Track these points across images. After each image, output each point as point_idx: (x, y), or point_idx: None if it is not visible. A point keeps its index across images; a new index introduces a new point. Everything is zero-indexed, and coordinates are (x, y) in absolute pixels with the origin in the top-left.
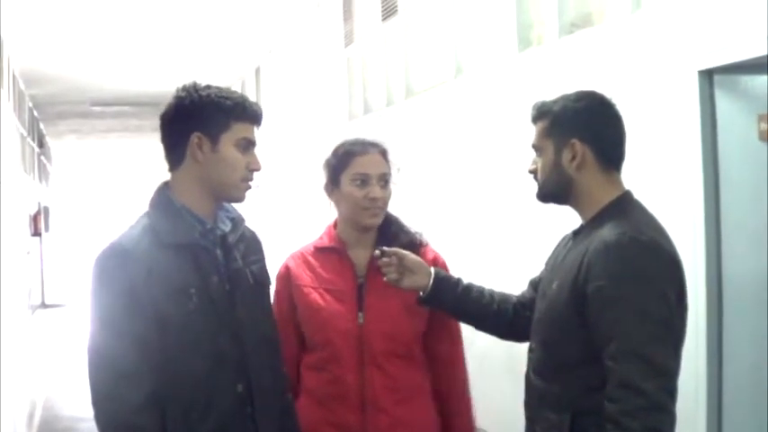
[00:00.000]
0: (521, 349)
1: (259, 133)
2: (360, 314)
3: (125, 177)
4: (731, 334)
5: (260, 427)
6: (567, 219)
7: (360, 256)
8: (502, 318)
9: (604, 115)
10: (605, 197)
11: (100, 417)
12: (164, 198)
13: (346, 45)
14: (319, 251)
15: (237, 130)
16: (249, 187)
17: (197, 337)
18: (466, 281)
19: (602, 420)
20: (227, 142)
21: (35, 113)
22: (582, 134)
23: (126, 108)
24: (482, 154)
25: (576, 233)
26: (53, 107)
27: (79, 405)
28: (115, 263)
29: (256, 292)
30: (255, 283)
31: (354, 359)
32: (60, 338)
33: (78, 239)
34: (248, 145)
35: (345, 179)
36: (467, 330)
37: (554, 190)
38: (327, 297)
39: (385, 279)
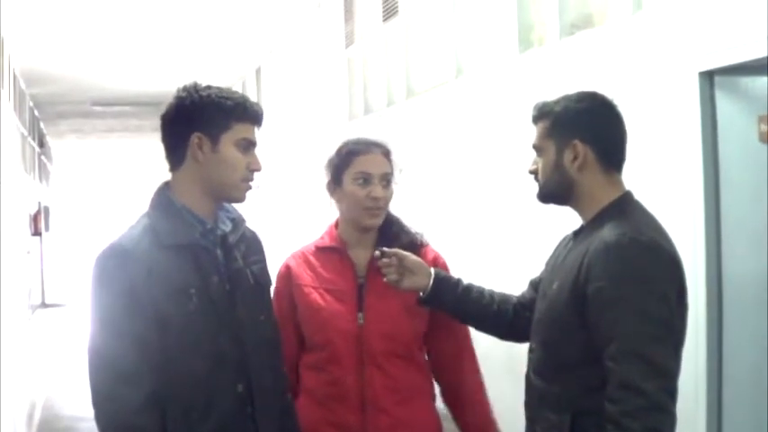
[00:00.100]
0: (521, 350)
1: (259, 134)
2: (360, 314)
3: (125, 177)
4: (731, 334)
5: (260, 428)
6: (567, 219)
7: (360, 256)
8: (502, 318)
9: (606, 116)
10: (606, 198)
11: (100, 417)
12: (164, 198)
13: (347, 45)
14: (320, 251)
15: (238, 130)
16: (249, 187)
17: (197, 338)
18: (466, 281)
19: (602, 421)
20: (228, 142)
21: (36, 113)
22: (584, 135)
23: (126, 108)
24: (482, 154)
25: (576, 234)
26: (54, 107)
27: (79, 405)
28: (115, 263)
29: (257, 292)
30: (256, 284)
31: (354, 359)
32: (60, 338)
33: (78, 239)
34: (249, 145)
35: (347, 178)
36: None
37: (555, 190)
38: (327, 297)
39: (385, 280)
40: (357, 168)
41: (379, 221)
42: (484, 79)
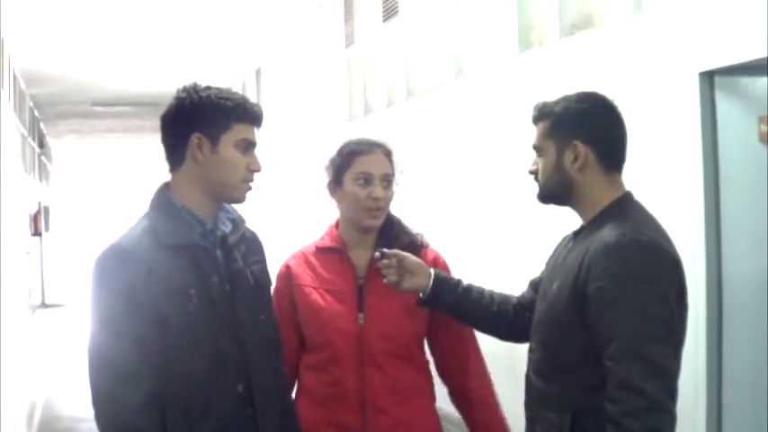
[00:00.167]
0: (521, 350)
1: (259, 134)
2: (360, 315)
3: (125, 178)
4: (731, 334)
5: (260, 428)
6: (567, 219)
7: (360, 256)
8: (502, 319)
9: (607, 116)
10: (606, 198)
11: (100, 417)
12: (164, 199)
13: (347, 46)
14: (320, 251)
15: (238, 130)
16: (249, 188)
17: (197, 338)
18: (466, 282)
19: (602, 421)
20: (228, 143)
21: (36, 113)
22: (584, 135)
23: (127, 108)
24: (482, 155)
25: (576, 234)
26: (54, 107)
27: (79, 405)
28: (115, 263)
29: (257, 292)
30: (256, 284)
31: (354, 360)
32: (60, 339)
33: (78, 239)
34: (248, 146)
35: (348, 178)
36: None
37: (555, 191)
38: (328, 297)
39: (385, 281)
40: (358, 169)
41: (379, 222)
42: (484, 79)
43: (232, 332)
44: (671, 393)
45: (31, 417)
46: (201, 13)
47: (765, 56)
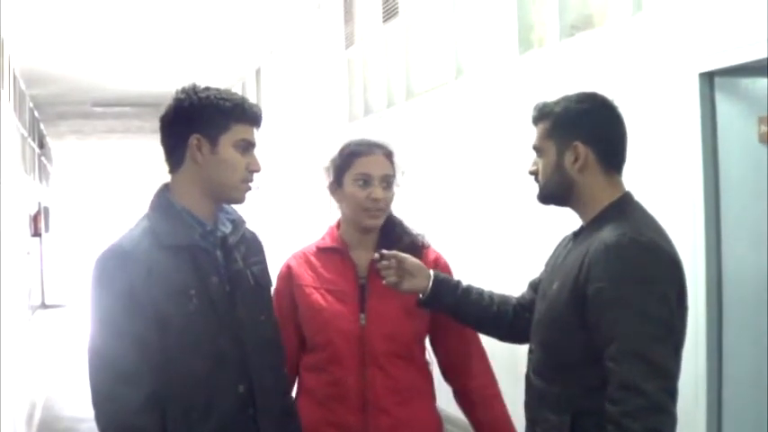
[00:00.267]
0: (521, 350)
1: (259, 135)
2: (362, 315)
3: (126, 178)
4: (731, 334)
5: (261, 428)
6: (567, 220)
7: (362, 257)
8: (502, 319)
9: (607, 117)
10: (606, 199)
11: (100, 418)
12: (164, 200)
13: (347, 46)
14: (321, 251)
15: (237, 131)
16: (249, 188)
17: (197, 338)
18: (466, 283)
19: (602, 421)
20: (227, 144)
21: (36, 114)
22: (585, 136)
23: (127, 109)
24: (482, 155)
25: (576, 234)
26: (54, 107)
27: (79, 406)
28: (115, 264)
29: (257, 293)
30: (256, 285)
31: (356, 360)
32: (60, 339)
33: (78, 240)
34: (248, 146)
35: (348, 179)
36: None
37: (555, 191)
38: (329, 298)
39: (384, 282)
40: (358, 170)
41: (378, 222)
42: (484, 80)
43: (232, 333)
44: (671, 394)
45: (30, 417)
46: (201, 14)
47: (765, 57)
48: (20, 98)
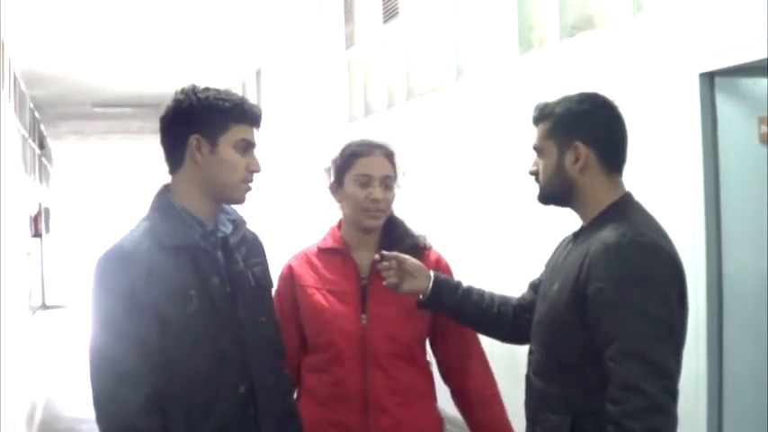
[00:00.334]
0: (521, 351)
1: (259, 135)
2: (363, 316)
3: (126, 179)
4: (731, 334)
5: (262, 428)
6: (567, 220)
7: (363, 257)
8: (502, 320)
9: (608, 118)
10: (606, 199)
11: (101, 419)
12: (164, 201)
13: (347, 47)
14: (322, 252)
15: (236, 131)
16: (249, 189)
17: (198, 339)
18: (466, 284)
19: (602, 421)
20: (226, 144)
21: (36, 114)
22: (586, 137)
23: (127, 109)
24: (483, 156)
25: (576, 235)
26: (54, 108)
27: (80, 406)
28: (115, 265)
29: (258, 293)
30: (257, 285)
31: (357, 360)
32: (61, 340)
33: (79, 240)
34: (247, 146)
35: (349, 179)
36: None
37: (556, 192)
38: (331, 298)
39: (385, 283)
40: (358, 170)
41: (379, 223)
42: (484, 81)
43: (233, 333)
44: (672, 394)
45: (31, 417)
46: (202, 15)
47: (765, 57)
48: (20, 99)
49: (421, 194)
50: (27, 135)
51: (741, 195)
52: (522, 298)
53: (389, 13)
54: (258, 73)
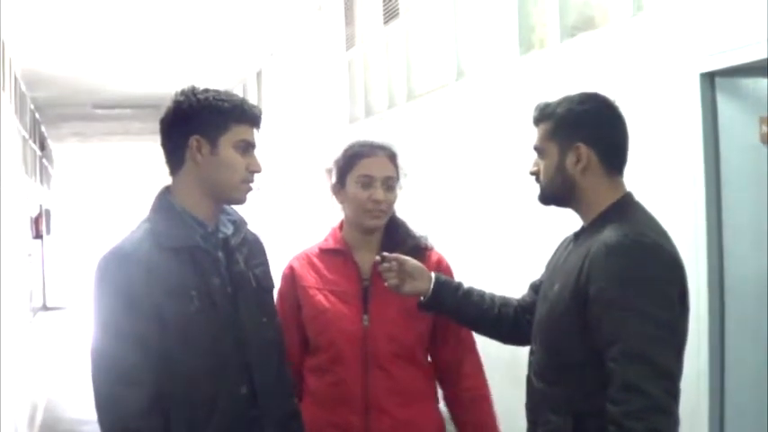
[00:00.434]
0: (522, 352)
1: (260, 136)
2: (364, 317)
3: (127, 180)
4: (733, 335)
5: (264, 429)
6: (568, 221)
7: (365, 258)
8: (503, 322)
9: (609, 118)
10: (607, 200)
11: (103, 420)
12: (165, 202)
13: (348, 48)
14: (324, 253)
15: (236, 132)
16: (249, 189)
17: (198, 339)
18: (467, 285)
19: (604, 422)
20: (226, 144)
21: (37, 116)
22: (587, 137)
23: (128, 111)
24: (484, 157)
25: (576, 235)
26: (55, 109)
27: (81, 408)
28: (116, 266)
29: (259, 294)
30: (258, 286)
31: (358, 361)
32: (62, 341)
33: (80, 242)
34: (247, 147)
35: (350, 180)
36: None
37: (557, 192)
38: (332, 299)
39: (386, 284)
40: (360, 171)
41: (380, 223)
42: (485, 81)
43: (234, 334)
44: (673, 395)
45: (32, 419)
46: (202, 16)
47: (766, 57)
48: (21, 100)
49: (422, 195)
50: (28, 136)
51: (742, 195)
52: (523, 299)
53: (390, 14)
54: (259, 74)
